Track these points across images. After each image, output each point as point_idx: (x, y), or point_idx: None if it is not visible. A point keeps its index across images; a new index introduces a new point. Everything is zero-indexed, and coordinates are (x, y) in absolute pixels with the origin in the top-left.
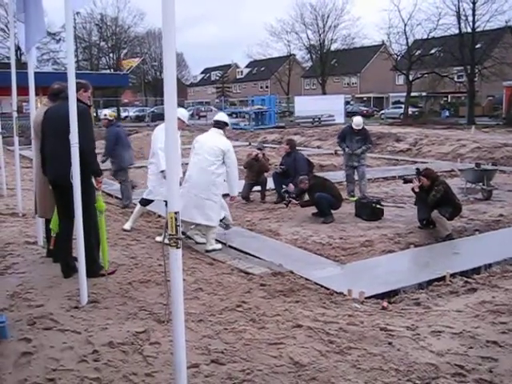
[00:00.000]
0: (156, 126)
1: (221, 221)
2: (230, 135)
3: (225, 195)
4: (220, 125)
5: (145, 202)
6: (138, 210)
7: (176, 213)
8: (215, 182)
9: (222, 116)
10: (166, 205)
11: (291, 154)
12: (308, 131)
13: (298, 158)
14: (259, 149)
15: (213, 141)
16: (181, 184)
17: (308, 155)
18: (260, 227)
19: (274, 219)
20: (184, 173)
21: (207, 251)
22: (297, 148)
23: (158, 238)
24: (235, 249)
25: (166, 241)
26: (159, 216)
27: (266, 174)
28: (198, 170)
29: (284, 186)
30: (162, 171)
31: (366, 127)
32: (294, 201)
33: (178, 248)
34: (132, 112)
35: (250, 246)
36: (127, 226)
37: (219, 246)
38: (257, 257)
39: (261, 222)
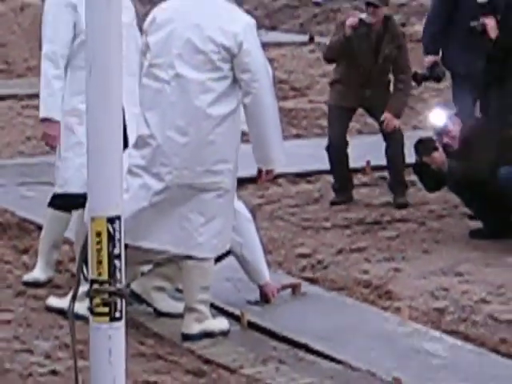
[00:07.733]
0: None
1: (224, 255)
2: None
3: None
4: None
5: (66, 203)
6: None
7: (113, 220)
8: (215, 140)
9: None
10: (83, 202)
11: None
12: None
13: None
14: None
15: (200, 20)
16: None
17: None
18: (338, 273)
19: (379, 250)
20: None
21: (187, 336)
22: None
23: (53, 301)
24: (266, 331)
25: (81, 306)
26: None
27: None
28: (164, 110)
29: None
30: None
31: None
32: None
33: (114, 320)
34: None
35: (308, 327)
36: (38, 273)
37: (222, 322)
38: (326, 355)
39: (343, 260)
